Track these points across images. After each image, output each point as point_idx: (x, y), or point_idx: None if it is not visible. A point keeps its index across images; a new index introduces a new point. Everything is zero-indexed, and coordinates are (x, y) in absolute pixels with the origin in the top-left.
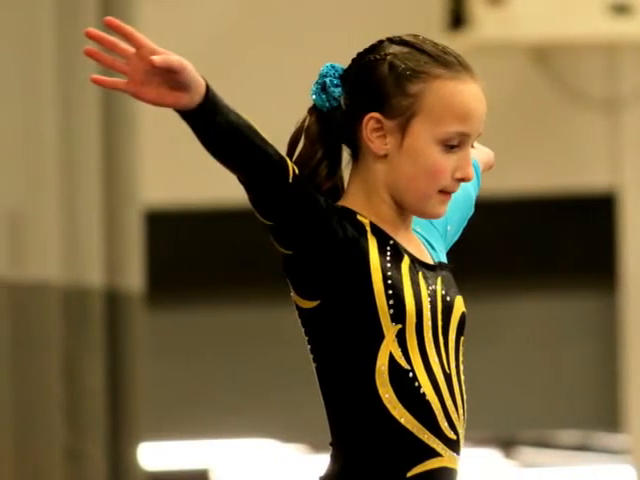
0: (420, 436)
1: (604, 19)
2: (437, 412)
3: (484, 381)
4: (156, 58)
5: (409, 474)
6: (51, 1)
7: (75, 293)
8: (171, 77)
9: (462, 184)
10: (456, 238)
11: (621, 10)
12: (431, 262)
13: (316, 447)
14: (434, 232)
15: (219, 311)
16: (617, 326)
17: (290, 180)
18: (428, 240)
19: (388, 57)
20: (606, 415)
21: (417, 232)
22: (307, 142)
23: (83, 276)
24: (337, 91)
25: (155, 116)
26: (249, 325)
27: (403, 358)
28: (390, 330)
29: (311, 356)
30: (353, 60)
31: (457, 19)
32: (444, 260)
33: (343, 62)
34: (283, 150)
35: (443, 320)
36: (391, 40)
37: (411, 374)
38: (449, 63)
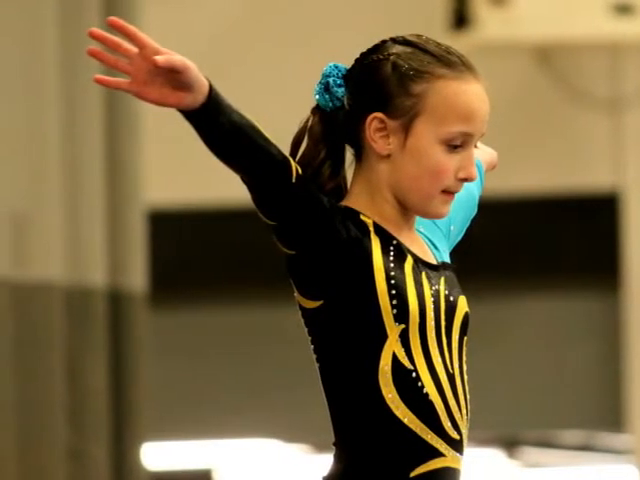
0: (423, 436)
1: (607, 19)
2: (440, 412)
3: (487, 381)
4: (159, 58)
5: (412, 474)
6: (54, 0)
7: (78, 293)
8: (174, 77)
9: (465, 184)
10: (459, 238)
11: (624, 10)
12: (434, 262)
13: (319, 447)
14: (437, 232)
15: (222, 311)
16: (620, 326)
17: (293, 180)
18: (431, 240)
19: (391, 57)
20: (609, 415)
21: (420, 232)
22: (310, 142)
23: (86, 276)
24: (340, 91)
25: (158, 116)
26: (252, 325)
27: (406, 358)
28: (393, 330)
29: (314, 356)
30: (356, 60)
31: (460, 19)
32: (447, 260)
33: (346, 62)
34: (286, 150)
35: (446, 320)
36: (394, 40)
37: (414, 374)
38: (452, 63)
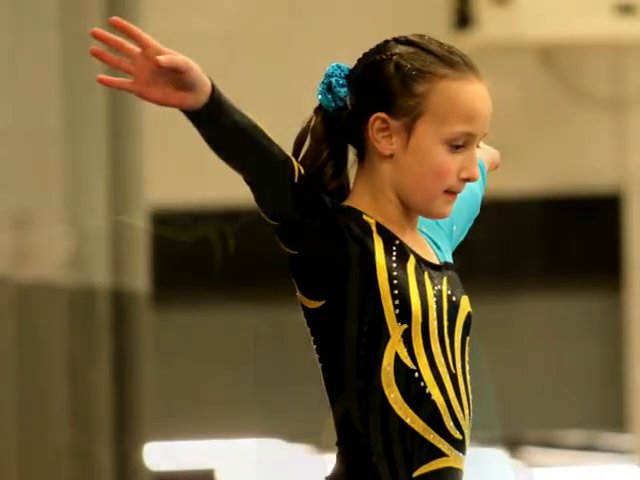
0: (426, 436)
1: (609, 19)
2: (443, 412)
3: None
4: (162, 58)
5: (415, 474)
6: (57, 0)
7: (81, 293)
8: (177, 77)
9: (468, 184)
10: (462, 238)
11: (626, 10)
12: (437, 262)
13: (322, 447)
14: (440, 232)
15: (225, 311)
16: (623, 326)
17: (296, 180)
18: (434, 240)
19: (394, 57)
20: (612, 415)
21: (423, 232)
22: (313, 142)
23: (89, 276)
24: (343, 91)
25: (161, 116)
26: (255, 325)
27: (409, 358)
28: (396, 330)
29: (317, 356)
30: (359, 60)
31: (462, 19)
32: (450, 260)
33: (349, 62)
34: (289, 150)
35: (449, 320)
36: (397, 40)
37: (417, 374)
38: (455, 63)
